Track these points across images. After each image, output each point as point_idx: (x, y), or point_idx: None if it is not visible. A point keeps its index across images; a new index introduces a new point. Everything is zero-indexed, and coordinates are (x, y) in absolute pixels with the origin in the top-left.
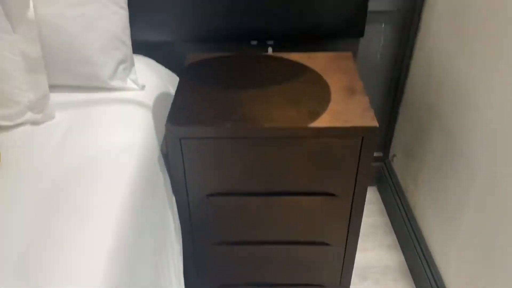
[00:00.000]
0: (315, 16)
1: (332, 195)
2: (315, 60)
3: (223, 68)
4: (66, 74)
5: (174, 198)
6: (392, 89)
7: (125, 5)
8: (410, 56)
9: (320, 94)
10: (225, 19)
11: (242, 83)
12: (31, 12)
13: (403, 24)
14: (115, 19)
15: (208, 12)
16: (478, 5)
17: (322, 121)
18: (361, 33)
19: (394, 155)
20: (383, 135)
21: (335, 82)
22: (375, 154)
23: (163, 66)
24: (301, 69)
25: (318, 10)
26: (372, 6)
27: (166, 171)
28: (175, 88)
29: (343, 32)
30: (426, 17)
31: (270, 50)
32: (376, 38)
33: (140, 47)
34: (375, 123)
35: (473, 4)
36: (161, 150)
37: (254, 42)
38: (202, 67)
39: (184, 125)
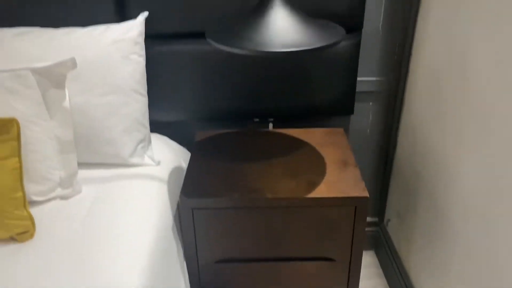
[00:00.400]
0: (310, 97)
1: (331, 259)
2: (311, 135)
3: (229, 144)
4: (92, 153)
5: (185, 264)
6: (382, 159)
7: (145, 93)
8: (396, 131)
9: (316, 166)
10: (230, 100)
11: (247, 157)
12: (66, 102)
13: (388, 102)
14: (137, 106)
15: (215, 95)
16: (451, 87)
17: (319, 192)
18: (351, 111)
19: (388, 220)
20: (377, 201)
21: (330, 156)
22: (371, 219)
23: (176, 143)
24: (299, 144)
25: (312, 92)
26: (360, 87)
27: (179, 239)
28: (187, 162)
29: (335, 110)
30: (408, 97)
31: (271, 126)
32: (365, 115)
33: (156, 125)
34: (366, 194)
35: (448, 86)
36: (174, 219)
37: (256, 119)
38: (211, 143)
39: (196, 197)
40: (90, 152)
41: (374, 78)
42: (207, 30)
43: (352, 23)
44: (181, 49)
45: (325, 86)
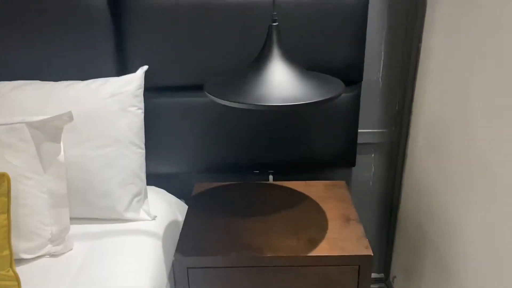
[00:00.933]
0: (310, 149)
1: None
2: (312, 188)
3: (228, 196)
4: (85, 206)
5: None
6: (386, 212)
7: (143, 145)
8: (400, 183)
9: (318, 222)
10: (229, 152)
11: (245, 211)
12: (61, 156)
13: (391, 154)
14: (134, 158)
15: (214, 147)
16: (455, 138)
17: (320, 250)
18: (352, 164)
19: (394, 277)
20: (382, 256)
21: (332, 210)
22: (377, 276)
23: (173, 196)
24: (299, 197)
25: (313, 144)
26: (361, 139)
27: None
28: (184, 216)
29: (336, 162)
30: (411, 148)
31: (271, 178)
32: (367, 167)
33: (153, 178)
34: (369, 252)
35: (451, 137)
36: (169, 278)
37: (256, 171)
38: (209, 195)
39: (192, 255)
40: (84, 206)
41: (375, 130)
42: (206, 84)
43: (352, 76)
44: (179, 101)
45: (325, 138)
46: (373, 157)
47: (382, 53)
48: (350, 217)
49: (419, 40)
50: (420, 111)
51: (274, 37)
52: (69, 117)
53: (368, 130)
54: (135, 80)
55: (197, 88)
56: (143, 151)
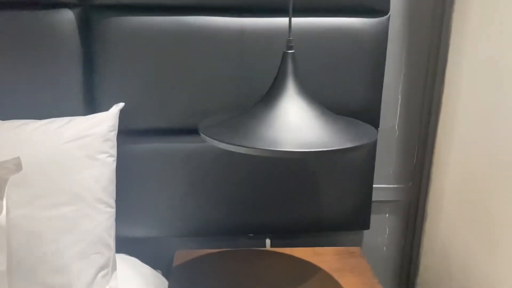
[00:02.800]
0: (317, 208)
1: None
2: (322, 257)
3: (216, 268)
4: (33, 285)
5: None
6: (402, 283)
7: (113, 203)
8: (418, 248)
9: None
10: (218, 212)
11: (238, 286)
12: (2, 217)
13: (408, 214)
14: (101, 219)
15: (200, 205)
16: (492, 190)
17: None
18: (366, 226)
19: None
20: None
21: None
22: None
23: (148, 267)
24: (305, 269)
25: (321, 202)
26: (374, 196)
27: None
28: None
29: (346, 224)
30: (432, 207)
31: (268, 243)
32: (381, 229)
33: (123, 243)
34: None
35: (487, 189)
36: None
37: (251, 235)
38: (193, 266)
39: None
40: (31, 285)
41: (390, 185)
42: (201, 125)
43: (368, 120)
44: (159, 148)
45: (335, 195)
46: (388, 218)
47: (399, 96)
48: None
49: (441, 82)
50: (443, 162)
51: (289, 67)
52: (17, 165)
53: (381, 185)
54: (107, 119)
55: (182, 132)
56: (113, 211)
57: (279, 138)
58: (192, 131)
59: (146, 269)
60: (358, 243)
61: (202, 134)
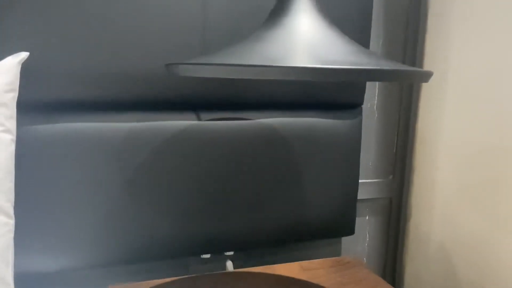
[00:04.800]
0: (293, 213)
1: None
2: (315, 272)
3: None
4: None
5: None
6: None
7: (12, 211)
8: (402, 255)
9: None
10: (160, 226)
11: None
12: None
13: (389, 215)
14: None
15: (135, 218)
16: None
17: None
18: (350, 230)
19: None
20: None
21: None
22: None
23: None
24: None
25: (298, 205)
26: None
27: None
28: None
29: (328, 231)
30: (418, 204)
31: (230, 265)
32: (360, 236)
33: (28, 282)
34: None
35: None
36: None
37: (206, 256)
38: None
39: None
40: None
41: (369, 180)
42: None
43: (351, 96)
44: (79, 129)
45: (315, 193)
46: (368, 221)
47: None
48: None
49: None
50: (432, 149)
51: None
52: None
53: (360, 180)
54: (2, 74)
55: (116, 106)
56: (12, 223)
57: (294, 53)
58: (133, 106)
59: None
60: (337, 254)
61: (178, 66)
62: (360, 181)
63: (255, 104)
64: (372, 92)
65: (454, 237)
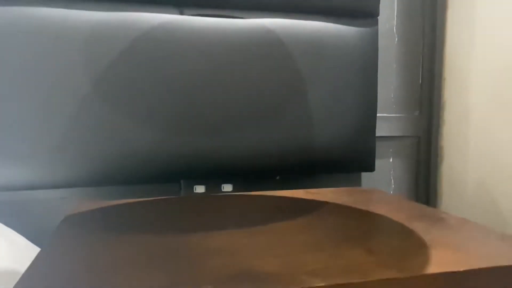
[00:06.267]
0: (298, 140)
1: None
2: (323, 195)
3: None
4: None
5: None
6: None
7: None
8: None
9: (375, 226)
10: (138, 141)
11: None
12: None
13: (416, 155)
14: None
15: (114, 126)
16: None
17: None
18: (370, 166)
19: None
20: None
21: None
22: None
23: (24, 238)
24: (309, 205)
25: (307, 133)
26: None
27: None
28: None
29: (345, 164)
30: (450, 139)
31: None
32: (385, 173)
33: None
34: None
35: None
36: None
37: (200, 189)
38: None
39: None
40: None
41: (392, 115)
42: None
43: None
44: (40, 15)
45: (322, 114)
46: (392, 163)
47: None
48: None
49: None
50: (465, 77)
51: None
52: None
53: (380, 114)
54: None
55: None
56: None
57: None
58: None
59: (20, 241)
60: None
61: None
62: (380, 114)
63: (250, 3)
64: (391, 11)
65: (494, 172)
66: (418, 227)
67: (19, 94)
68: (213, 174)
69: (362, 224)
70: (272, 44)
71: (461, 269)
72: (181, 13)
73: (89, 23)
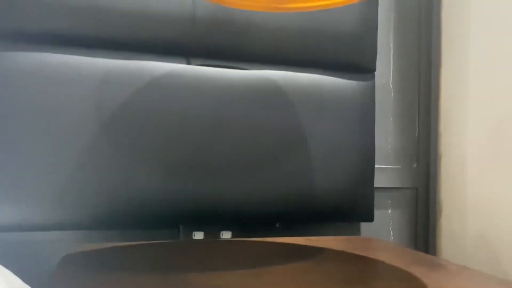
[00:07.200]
0: (299, 192)
1: None
2: (323, 243)
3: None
4: None
5: None
6: None
7: None
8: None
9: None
10: (142, 183)
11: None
12: None
13: (415, 208)
14: None
15: (121, 172)
16: None
17: None
18: (369, 216)
19: None
20: None
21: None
22: None
23: (17, 278)
24: (322, 255)
25: (307, 183)
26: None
27: None
28: None
29: (344, 213)
30: (448, 191)
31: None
32: (384, 224)
33: None
34: None
35: None
36: None
37: (199, 235)
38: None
39: None
40: None
41: (390, 166)
42: None
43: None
44: (53, 62)
45: (321, 164)
46: (391, 215)
47: (391, 44)
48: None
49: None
50: (461, 127)
51: None
52: None
53: (378, 166)
54: None
55: (97, 43)
56: None
57: None
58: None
59: (14, 282)
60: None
61: None
62: (378, 166)
63: (254, 56)
64: (387, 67)
65: (494, 223)
66: (418, 272)
67: (31, 135)
68: (212, 221)
69: (362, 269)
70: (273, 94)
71: None
72: (188, 63)
73: (101, 70)
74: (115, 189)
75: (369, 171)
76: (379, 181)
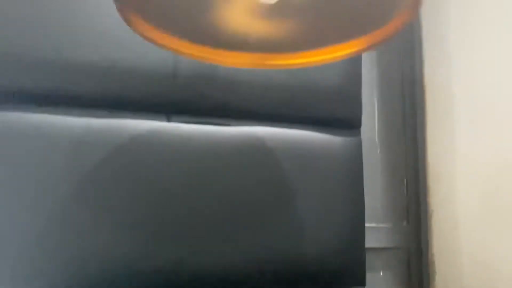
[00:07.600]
0: (285, 254)
1: None
2: None
3: None
4: None
5: None
6: None
7: None
8: None
9: None
10: (119, 248)
11: None
12: None
13: (408, 269)
14: None
15: (89, 235)
16: None
17: None
18: (361, 280)
19: None
20: None
21: None
22: None
23: None
24: None
25: (292, 246)
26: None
27: None
28: None
29: (335, 278)
30: (440, 251)
31: None
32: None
33: None
34: None
35: None
36: None
37: None
38: None
39: None
40: None
41: (379, 225)
42: None
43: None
44: (28, 121)
45: (308, 226)
46: (383, 277)
47: (375, 98)
48: None
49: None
50: (450, 182)
51: None
52: None
53: (368, 225)
54: None
55: (74, 102)
56: None
57: None
58: (92, 101)
59: None
60: None
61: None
62: (368, 225)
63: (238, 112)
64: (372, 121)
65: (490, 282)
66: None
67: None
68: (195, 287)
69: None
70: (258, 151)
71: None
72: (169, 120)
73: (77, 128)
74: (87, 254)
75: (360, 231)
76: (370, 241)
